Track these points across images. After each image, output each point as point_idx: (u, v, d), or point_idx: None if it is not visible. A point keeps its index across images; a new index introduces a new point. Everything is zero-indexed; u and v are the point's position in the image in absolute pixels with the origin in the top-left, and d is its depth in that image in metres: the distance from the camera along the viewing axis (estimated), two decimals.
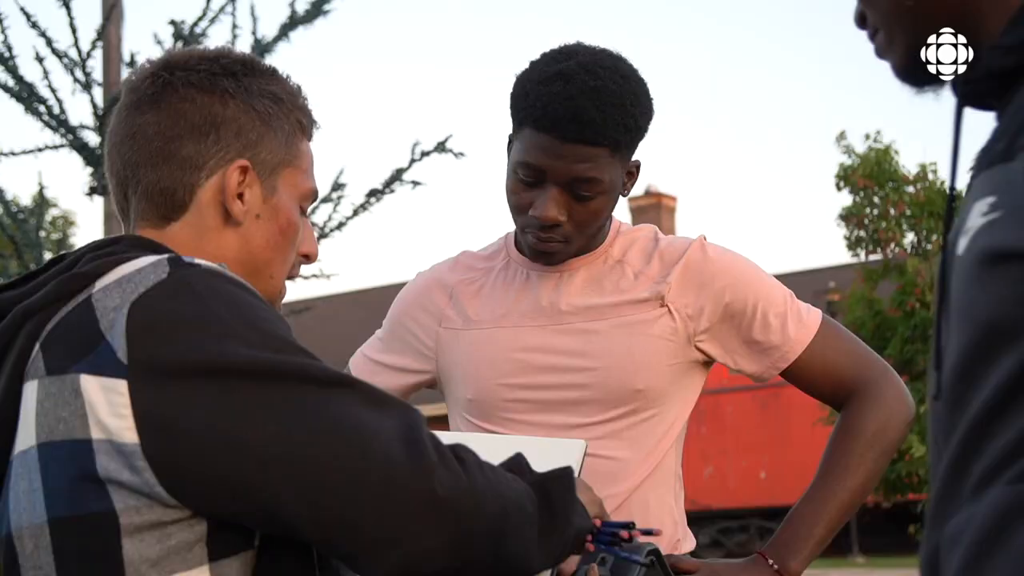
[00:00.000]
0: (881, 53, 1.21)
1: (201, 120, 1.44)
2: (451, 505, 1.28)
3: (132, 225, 1.48)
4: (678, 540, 2.08)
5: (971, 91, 1.12)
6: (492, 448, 1.79)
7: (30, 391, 1.33)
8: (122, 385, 1.25)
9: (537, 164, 1.97)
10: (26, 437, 1.32)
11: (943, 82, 1.16)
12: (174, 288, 1.29)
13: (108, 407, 1.26)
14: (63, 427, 1.28)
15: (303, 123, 1.53)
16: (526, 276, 2.12)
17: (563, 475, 1.44)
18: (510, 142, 2.05)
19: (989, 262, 1.04)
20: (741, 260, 2.11)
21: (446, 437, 1.92)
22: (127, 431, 1.25)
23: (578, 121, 1.92)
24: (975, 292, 1.06)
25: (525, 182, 2.00)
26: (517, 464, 1.45)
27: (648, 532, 1.60)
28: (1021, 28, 1.07)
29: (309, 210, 1.57)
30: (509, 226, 2.13)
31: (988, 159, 1.07)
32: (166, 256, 1.33)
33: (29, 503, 1.31)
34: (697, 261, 2.07)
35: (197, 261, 1.33)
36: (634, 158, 2.05)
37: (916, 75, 1.18)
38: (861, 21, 1.23)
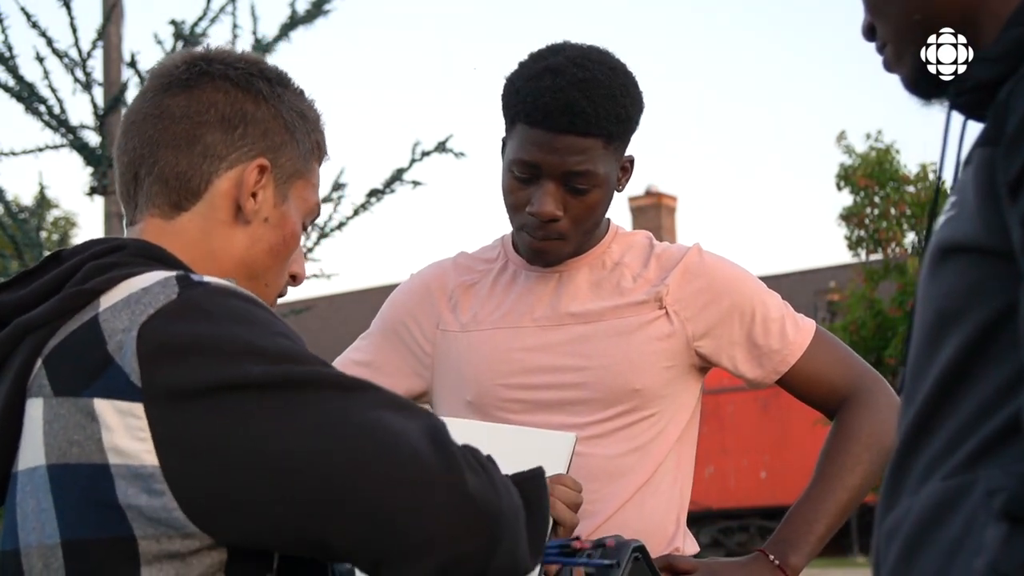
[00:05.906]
0: (890, 67, 1.23)
1: (231, 113, 1.44)
2: (484, 507, 1.24)
3: (139, 210, 1.46)
4: (678, 545, 2.07)
5: (963, 102, 1.14)
6: (482, 438, 1.79)
7: (34, 409, 1.30)
8: (138, 408, 1.23)
9: (531, 159, 1.97)
10: (33, 455, 1.30)
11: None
12: (184, 309, 1.26)
13: (125, 431, 1.23)
14: (77, 451, 1.26)
15: (320, 145, 1.53)
16: (525, 278, 2.11)
17: (536, 475, 1.39)
18: (504, 145, 2.05)
19: (941, 256, 1.09)
20: (738, 267, 2.13)
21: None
22: (146, 454, 1.23)
23: (569, 112, 1.93)
24: (929, 285, 1.10)
25: (521, 179, 1.99)
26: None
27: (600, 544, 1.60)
28: (1005, 40, 1.09)
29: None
30: (509, 227, 2.12)
31: (960, 165, 1.12)
32: (174, 274, 1.30)
33: (38, 523, 1.29)
34: (695, 264, 2.08)
35: (206, 279, 1.31)
36: (628, 153, 2.05)
37: (925, 88, 1.20)
38: (870, 33, 1.24)
